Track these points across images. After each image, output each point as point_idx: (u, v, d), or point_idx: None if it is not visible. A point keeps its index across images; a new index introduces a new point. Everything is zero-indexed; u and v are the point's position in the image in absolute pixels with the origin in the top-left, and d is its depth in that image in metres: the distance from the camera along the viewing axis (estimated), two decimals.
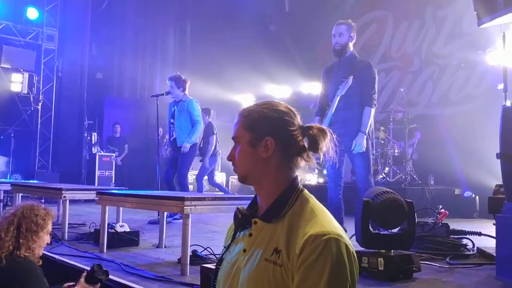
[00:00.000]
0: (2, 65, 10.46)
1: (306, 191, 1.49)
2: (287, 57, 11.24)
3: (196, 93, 7.33)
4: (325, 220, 1.37)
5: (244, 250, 1.47)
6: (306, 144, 1.48)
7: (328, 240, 1.29)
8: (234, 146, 1.54)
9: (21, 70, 10.67)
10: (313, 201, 1.46)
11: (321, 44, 11.56)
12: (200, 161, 9.04)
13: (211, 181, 9.76)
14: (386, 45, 10.38)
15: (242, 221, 1.51)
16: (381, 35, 10.48)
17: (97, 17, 11.41)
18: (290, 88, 11.87)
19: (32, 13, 10.67)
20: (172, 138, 6.68)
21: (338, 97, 4.46)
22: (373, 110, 4.52)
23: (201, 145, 8.69)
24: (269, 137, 1.46)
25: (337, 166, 4.54)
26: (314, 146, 1.49)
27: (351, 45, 4.65)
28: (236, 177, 1.61)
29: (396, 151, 8.44)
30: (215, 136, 8.85)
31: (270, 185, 1.48)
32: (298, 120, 1.52)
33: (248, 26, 11.91)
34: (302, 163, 1.51)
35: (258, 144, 1.47)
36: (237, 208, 1.54)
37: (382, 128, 8.62)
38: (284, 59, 11.16)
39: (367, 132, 4.48)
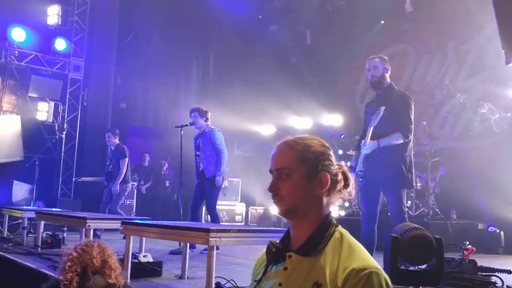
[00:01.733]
0: (29, 94, 10.73)
1: (340, 226, 1.53)
2: (308, 89, 11.33)
3: (217, 123, 7.42)
4: (363, 254, 1.42)
5: (280, 284, 1.48)
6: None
7: (370, 274, 1.34)
8: (279, 178, 1.53)
9: (47, 99, 10.91)
10: (349, 235, 1.50)
11: (342, 76, 11.68)
12: (106, 185, 8.28)
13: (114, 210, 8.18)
14: (408, 79, 10.42)
15: (276, 254, 1.51)
16: (403, 68, 10.53)
17: (122, 48, 11.69)
18: (311, 120, 11.90)
19: (60, 44, 10.99)
20: (200, 169, 6.75)
21: (371, 128, 4.40)
22: (402, 140, 4.36)
23: (110, 169, 8.22)
24: (325, 172, 1.51)
25: (370, 201, 4.47)
26: (346, 183, 1.56)
27: (387, 76, 4.66)
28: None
29: (418, 184, 8.36)
30: (127, 159, 8.14)
31: (312, 220, 1.50)
32: None
33: (270, 58, 12.08)
34: (338, 199, 1.56)
35: (314, 178, 1.50)
36: (270, 241, 1.55)
37: None
38: (305, 90, 11.25)
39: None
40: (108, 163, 8.72)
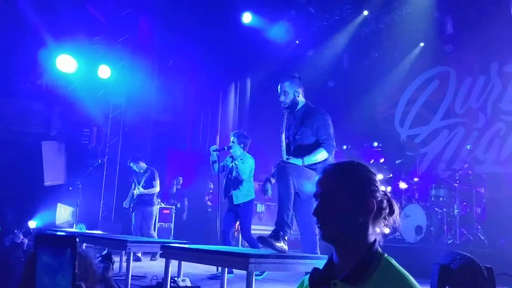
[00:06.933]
0: (74, 119, 11.02)
1: (386, 254, 1.47)
2: (345, 112, 11.23)
3: (253, 148, 7.39)
4: (412, 284, 1.35)
5: None
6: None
7: None
8: (323, 203, 1.50)
9: (91, 124, 11.20)
10: (396, 265, 1.43)
11: (381, 99, 11.55)
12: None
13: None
14: (449, 101, 10.22)
15: (320, 282, 1.46)
16: (444, 91, 10.35)
17: (162, 73, 11.93)
18: (349, 143, 11.73)
19: (103, 71, 11.21)
20: (229, 194, 6.63)
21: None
22: (324, 152, 4.20)
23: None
24: (372, 198, 1.47)
25: None
26: (391, 211, 1.51)
27: (300, 98, 4.60)
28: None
29: (462, 211, 8.07)
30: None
31: (356, 247, 1.45)
32: None
33: (307, 82, 12.05)
34: (383, 226, 1.51)
35: (359, 204, 1.46)
36: (314, 268, 1.51)
37: (445, 186, 8.36)
38: (343, 114, 11.16)
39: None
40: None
